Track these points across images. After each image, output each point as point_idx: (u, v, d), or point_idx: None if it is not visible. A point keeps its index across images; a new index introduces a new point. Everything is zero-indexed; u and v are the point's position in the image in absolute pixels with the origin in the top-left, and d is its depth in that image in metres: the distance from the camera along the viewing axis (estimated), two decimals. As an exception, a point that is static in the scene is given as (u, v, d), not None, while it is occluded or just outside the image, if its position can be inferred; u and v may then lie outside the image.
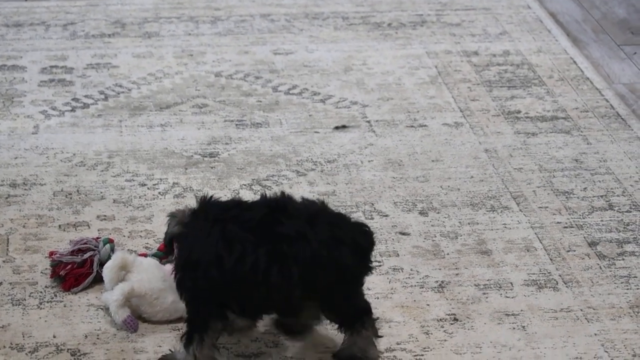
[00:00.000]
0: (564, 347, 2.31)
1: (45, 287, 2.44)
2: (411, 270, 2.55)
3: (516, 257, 2.60)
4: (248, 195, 2.77)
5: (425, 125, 3.21)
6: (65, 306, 2.38)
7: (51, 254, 2.49)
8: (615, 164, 3.03)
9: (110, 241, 2.48)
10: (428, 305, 2.43)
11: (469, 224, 2.73)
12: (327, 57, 3.61)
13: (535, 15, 3.98)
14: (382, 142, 3.11)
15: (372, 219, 2.72)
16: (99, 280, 2.42)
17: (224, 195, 2.78)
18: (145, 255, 2.46)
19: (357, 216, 2.71)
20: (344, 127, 3.19)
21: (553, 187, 2.91)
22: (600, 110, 3.32)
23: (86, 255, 2.44)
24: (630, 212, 2.81)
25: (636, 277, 2.55)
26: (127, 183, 2.86)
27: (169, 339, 2.29)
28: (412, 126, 3.20)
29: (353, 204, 2.79)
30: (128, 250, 2.54)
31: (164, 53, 3.60)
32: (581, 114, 3.30)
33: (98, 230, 2.64)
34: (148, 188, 2.85)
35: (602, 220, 2.76)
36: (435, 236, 2.67)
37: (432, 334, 2.34)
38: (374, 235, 2.21)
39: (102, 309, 2.36)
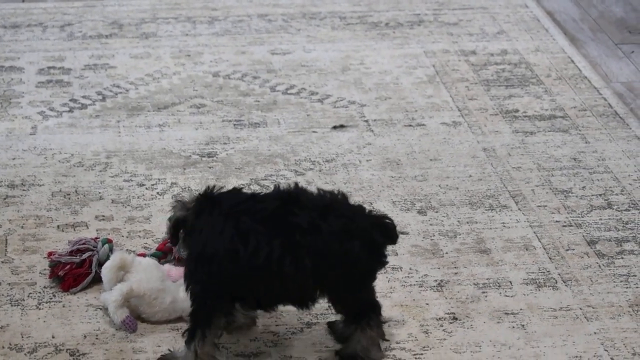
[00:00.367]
0: (563, 345, 2.31)
1: (44, 287, 2.44)
2: (410, 269, 2.55)
3: (515, 256, 2.60)
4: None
5: (423, 125, 3.21)
6: (64, 306, 2.38)
7: (50, 254, 2.48)
8: (613, 163, 3.03)
9: (109, 241, 2.48)
10: (427, 304, 2.43)
11: (467, 223, 2.73)
12: (324, 56, 3.61)
13: (533, 14, 3.98)
14: (380, 142, 3.11)
15: (371, 218, 2.72)
16: (97, 280, 2.41)
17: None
18: (144, 255, 2.46)
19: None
20: (342, 126, 3.19)
21: (552, 186, 2.91)
22: (599, 109, 3.33)
23: (85, 256, 2.44)
24: (629, 210, 2.81)
25: (635, 275, 2.55)
26: (125, 183, 2.86)
27: (168, 339, 2.29)
28: (410, 125, 3.20)
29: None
30: (127, 250, 2.53)
31: (162, 53, 3.60)
32: (579, 113, 3.30)
33: (97, 231, 2.64)
34: (146, 188, 2.84)
35: (601, 219, 2.76)
36: (434, 235, 2.67)
37: (431, 333, 2.34)
38: (396, 228, 2.19)
39: (100, 309, 2.36)
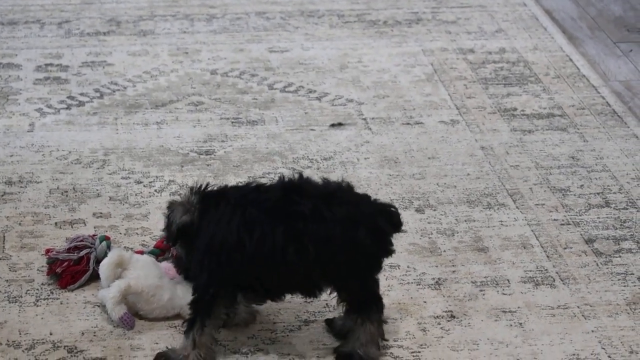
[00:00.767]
0: (561, 343, 2.31)
1: (42, 284, 2.44)
2: (408, 267, 2.55)
3: (513, 254, 2.60)
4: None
5: (421, 123, 3.21)
6: (61, 303, 2.38)
7: (47, 251, 2.48)
8: (611, 161, 3.03)
9: (107, 238, 2.48)
10: (425, 302, 2.43)
11: (465, 221, 2.73)
12: (322, 54, 3.61)
13: (531, 13, 3.98)
14: (378, 140, 3.11)
15: (369, 216, 2.72)
16: (95, 277, 2.41)
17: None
18: (141, 253, 2.46)
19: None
20: (340, 124, 3.19)
21: (549, 185, 2.91)
22: (597, 108, 3.33)
23: (82, 253, 2.44)
24: (627, 209, 2.81)
25: (633, 274, 2.55)
26: (123, 181, 2.86)
27: (166, 336, 2.29)
28: (408, 124, 3.20)
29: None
30: (124, 247, 2.53)
31: (159, 51, 3.59)
32: (577, 112, 3.31)
33: (94, 228, 2.63)
34: (144, 186, 2.84)
35: (598, 218, 2.76)
36: (432, 233, 2.67)
37: (429, 330, 2.34)
38: (400, 216, 2.20)
39: (98, 306, 2.36)
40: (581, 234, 2.69)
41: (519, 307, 2.42)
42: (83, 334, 2.29)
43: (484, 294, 2.46)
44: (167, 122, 3.17)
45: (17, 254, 2.54)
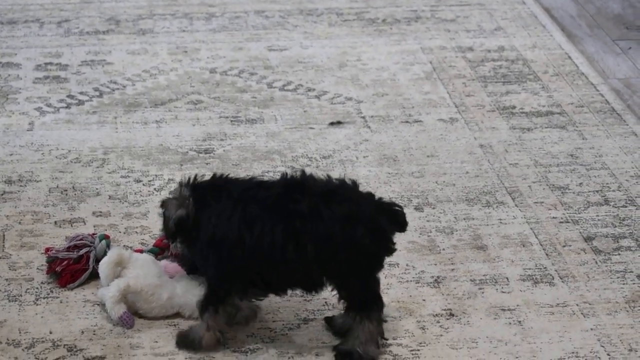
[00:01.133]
0: (560, 341, 2.32)
1: (42, 283, 2.44)
2: (407, 265, 2.55)
3: (512, 252, 2.61)
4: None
5: (420, 121, 3.21)
6: (61, 302, 2.38)
7: (47, 250, 2.48)
8: (610, 159, 3.03)
9: (106, 237, 2.48)
10: (424, 300, 2.43)
11: (464, 219, 2.73)
12: (321, 53, 3.61)
13: (530, 11, 3.98)
14: (377, 138, 3.11)
15: (368, 214, 2.72)
16: (95, 276, 2.41)
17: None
18: (141, 252, 2.46)
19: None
20: (339, 123, 3.19)
21: (548, 182, 2.91)
22: (596, 105, 3.33)
23: (82, 252, 2.44)
24: (626, 207, 2.81)
25: (632, 272, 2.55)
26: (122, 179, 2.86)
27: (165, 335, 2.29)
28: (407, 122, 3.21)
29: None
30: (124, 246, 2.53)
31: (159, 50, 3.60)
32: (576, 109, 3.31)
33: (94, 227, 2.64)
34: (143, 184, 2.84)
35: (597, 215, 2.77)
36: (431, 231, 2.68)
37: (428, 329, 2.34)
38: (405, 215, 2.20)
39: (98, 305, 2.36)
40: (580, 232, 2.69)
41: (518, 305, 2.42)
42: (83, 332, 2.29)
43: (483, 292, 2.46)
44: (167, 121, 3.17)
45: (16, 252, 2.54)
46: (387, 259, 2.49)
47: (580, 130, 3.19)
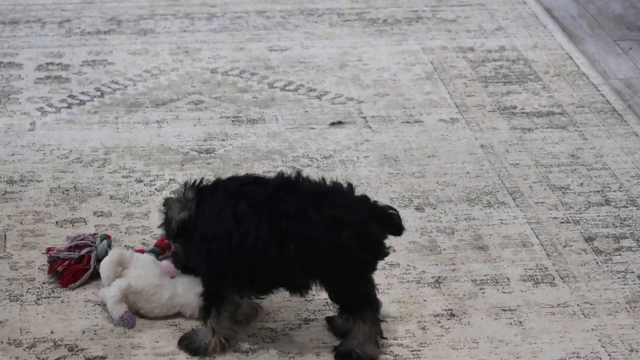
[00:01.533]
0: (561, 342, 2.32)
1: (43, 283, 2.44)
2: (408, 265, 2.55)
3: (513, 253, 2.61)
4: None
5: (421, 121, 3.21)
6: (62, 302, 2.38)
7: (48, 250, 2.49)
8: (611, 159, 3.04)
9: (108, 237, 2.48)
10: (425, 300, 2.43)
11: (465, 219, 2.73)
12: (322, 53, 3.61)
13: (531, 11, 3.98)
14: (378, 138, 3.11)
15: (369, 214, 2.72)
16: (96, 276, 2.42)
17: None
18: (142, 252, 2.46)
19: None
20: (339, 123, 3.19)
21: (549, 183, 2.91)
22: (597, 106, 3.33)
23: (83, 252, 2.44)
24: (627, 207, 2.81)
25: (633, 272, 2.55)
26: (123, 179, 2.86)
27: (166, 335, 2.30)
28: (407, 122, 3.21)
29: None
30: (125, 246, 2.53)
31: (160, 50, 3.60)
32: (577, 110, 3.31)
33: (95, 227, 2.64)
34: (145, 184, 2.85)
35: (598, 216, 2.77)
36: (432, 232, 2.68)
37: (428, 329, 2.34)
38: (401, 219, 2.18)
39: (99, 304, 2.36)
40: (581, 232, 2.70)
41: (518, 306, 2.42)
42: (84, 332, 2.30)
43: (483, 293, 2.46)
44: (168, 121, 3.17)
45: (18, 252, 2.55)
46: (387, 259, 2.50)
47: (581, 131, 3.19)
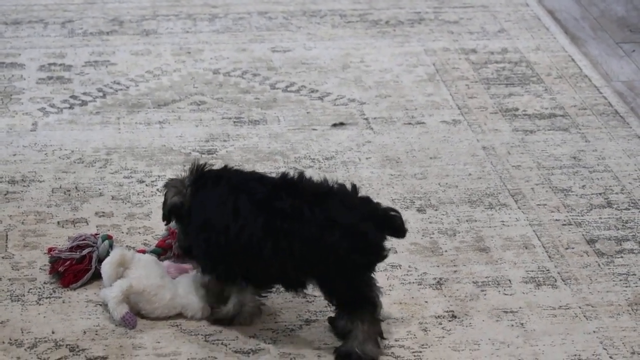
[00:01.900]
0: (562, 344, 2.31)
1: (44, 283, 2.44)
2: (409, 267, 2.55)
3: (514, 255, 2.61)
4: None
5: (423, 123, 3.21)
6: (64, 302, 2.38)
7: (50, 250, 2.49)
8: (613, 162, 3.03)
9: (109, 238, 2.48)
10: (426, 302, 2.43)
11: (467, 221, 2.73)
12: (324, 54, 3.61)
13: (533, 13, 3.98)
14: (380, 140, 3.11)
15: (371, 216, 2.72)
16: (97, 276, 2.42)
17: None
18: (143, 252, 2.46)
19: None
20: (341, 124, 3.19)
21: (551, 185, 2.91)
22: (599, 108, 3.33)
23: (85, 252, 2.44)
24: (629, 209, 2.81)
25: (635, 274, 2.55)
26: (125, 180, 2.86)
27: (168, 335, 2.29)
28: (409, 123, 3.21)
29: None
30: (127, 246, 2.53)
31: (162, 50, 3.60)
32: (579, 112, 3.31)
33: (97, 227, 2.64)
34: (146, 185, 2.85)
35: (600, 218, 2.77)
36: (433, 233, 2.68)
37: (430, 330, 2.34)
38: (402, 222, 2.18)
39: (100, 305, 2.36)
40: (583, 235, 2.69)
41: (520, 308, 2.42)
42: (85, 332, 2.30)
43: (485, 294, 2.46)
44: (170, 122, 3.17)
45: (19, 252, 2.55)
46: (388, 260, 2.50)
47: (583, 133, 3.19)
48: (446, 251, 2.61)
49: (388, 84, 3.43)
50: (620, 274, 2.55)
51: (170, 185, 2.29)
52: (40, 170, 2.90)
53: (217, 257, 2.21)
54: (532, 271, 2.55)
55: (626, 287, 2.50)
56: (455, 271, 2.54)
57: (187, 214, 2.24)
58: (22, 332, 2.29)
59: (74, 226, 2.65)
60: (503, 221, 2.74)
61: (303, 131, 3.15)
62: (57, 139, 3.06)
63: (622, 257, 2.61)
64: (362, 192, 2.82)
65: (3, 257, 2.53)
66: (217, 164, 2.95)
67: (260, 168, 2.94)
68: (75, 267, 2.43)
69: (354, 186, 2.21)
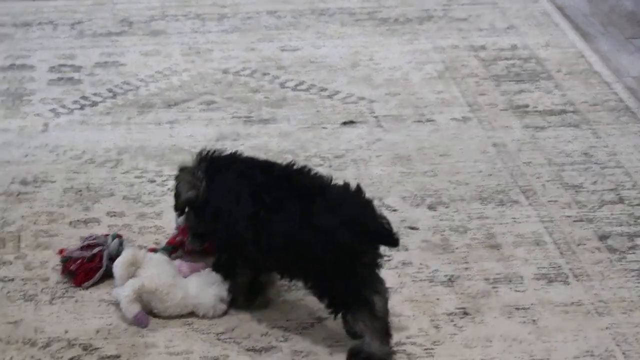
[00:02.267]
0: (575, 340, 2.31)
1: (57, 283, 2.45)
2: (420, 264, 2.55)
3: (526, 251, 2.60)
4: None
5: (433, 120, 3.21)
6: (76, 302, 2.39)
7: (61, 251, 2.49)
8: (625, 157, 3.03)
9: (119, 236, 2.49)
10: (438, 299, 2.43)
11: (478, 218, 2.73)
12: (334, 53, 3.61)
13: (543, 9, 3.97)
14: (390, 137, 3.11)
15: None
16: (109, 275, 2.42)
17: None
18: (154, 250, 2.47)
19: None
20: (351, 122, 3.19)
21: (562, 181, 2.91)
22: (610, 104, 3.32)
23: (95, 250, 2.45)
24: (640, 205, 2.81)
25: (646, 270, 2.55)
26: (136, 180, 2.87)
27: (180, 334, 2.30)
28: (420, 121, 3.20)
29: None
30: (138, 246, 2.54)
31: (171, 51, 3.61)
32: (590, 108, 3.30)
33: (108, 227, 2.65)
34: (157, 184, 2.85)
35: (612, 214, 2.76)
36: (445, 230, 2.67)
37: (442, 328, 2.34)
38: (389, 230, 2.17)
39: (113, 304, 2.37)
40: (595, 231, 2.69)
41: (532, 304, 2.42)
42: (98, 331, 2.30)
43: (497, 291, 2.46)
44: (180, 122, 3.18)
45: (32, 252, 2.56)
46: (399, 257, 2.50)
47: (594, 129, 3.18)
48: (457, 248, 2.61)
49: (397, 82, 3.43)
50: (632, 270, 2.54)
51: (183, 178, 2.33)
52: (52, 170, 2.91)
53: (224, 241, 2.29)
54: (544, 268, 2.54)
55: (638, 283, 2.50)
56: (466, 268, 2.53)
57: (201, 205, 2.30)
58: (36, 332, 2.30)
59: (86, 226, 2.66)
60: (514, 218, 2.73)
61: (313, 130, 3.15)
62: (68, 139, 3.07)
63: (634, 252, 2.61)
64: (373, 190, 2.83)
65: (16, 258, 2.54)
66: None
67: (270, 167, 2.94)
68: (86, 266, 2.44)
69: (358, 187, 2.20)
